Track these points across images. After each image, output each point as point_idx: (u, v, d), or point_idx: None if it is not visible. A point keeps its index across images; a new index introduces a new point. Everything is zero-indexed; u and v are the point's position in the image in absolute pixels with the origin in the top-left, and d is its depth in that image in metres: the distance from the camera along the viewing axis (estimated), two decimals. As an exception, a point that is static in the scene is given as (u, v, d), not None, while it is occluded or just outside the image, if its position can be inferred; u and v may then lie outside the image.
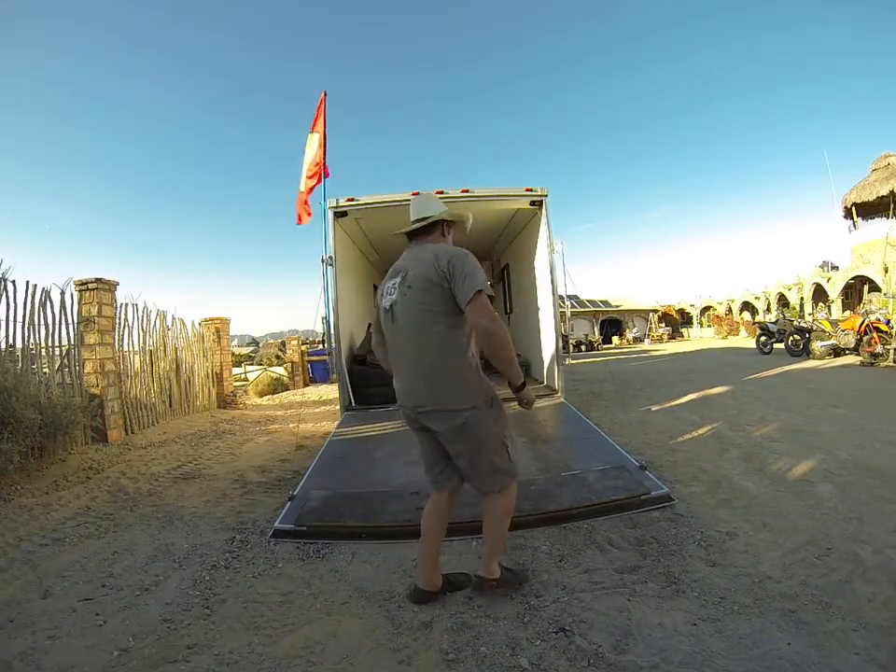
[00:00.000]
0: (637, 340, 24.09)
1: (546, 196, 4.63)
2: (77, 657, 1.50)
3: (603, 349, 20.69)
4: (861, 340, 7.97)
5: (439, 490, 1.75)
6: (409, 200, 4.42)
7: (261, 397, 9.38)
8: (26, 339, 3.95)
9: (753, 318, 20.25)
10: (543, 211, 4.71)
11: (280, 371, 11.87)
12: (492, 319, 1.48)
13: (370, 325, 6.96)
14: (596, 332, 24.38)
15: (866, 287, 15.00)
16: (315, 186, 5.27)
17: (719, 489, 2.63)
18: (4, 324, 3.76)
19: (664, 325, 26.00)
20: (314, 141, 5.34)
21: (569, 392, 4.92)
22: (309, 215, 5.33)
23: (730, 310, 23.17)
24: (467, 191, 4.50)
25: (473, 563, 1.97)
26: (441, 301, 1.55)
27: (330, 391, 8.56)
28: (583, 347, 20.48)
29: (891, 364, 7.10)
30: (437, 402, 1.58)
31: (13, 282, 3.83)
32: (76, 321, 4.51)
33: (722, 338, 20.42)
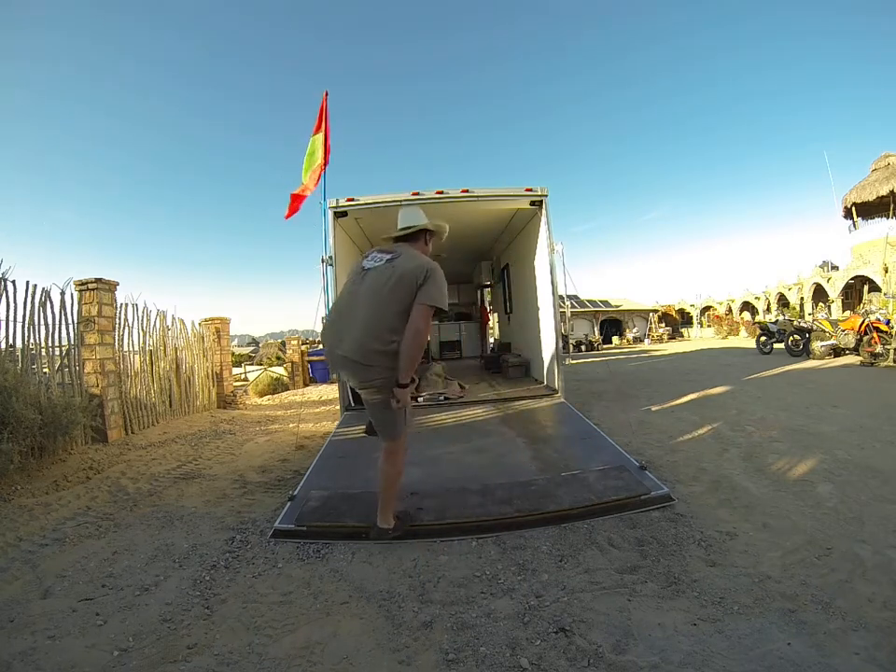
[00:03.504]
0: (637, 340, 24.09)
1: (546, 196, 4.63)
2: (77, 657, 1.50)
3: (603, 349, 20.69)
4: (861, 340, 7.97)
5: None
6: (409, 200, 4.50)
7: (261, 397, 9.38)
8: (26, 339, 3.95)
9: (753, 318, 20.26)
10: (543, 211, 4.71)
11: (280, 371, 11.87)
12: (427, 325, 1.90)
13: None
14: (596, 332, 24.37)
15: (866, 287, 15.02)
16: (316, 182, 5.25)
17: (719, 489, 2.63)
18: (4, 324, 3.76)
19: (664, 325, 25.99)
20: (318, 142, 5.33)
21: (569, 392, 4.92)
22: (296, 209, 5.31)
23: (730, 310, 23.16)
24: (467, 191, 4.50)
25: (474, 563, 1.98)
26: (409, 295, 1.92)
27: (330, 391, 8.57)
28: (583, 347, 20.48)
29: (891, 364, 7.10)
30: None
31: (13, 282, 3.83)
32: (76, 321, 4.50)
33: (722, 338, 20.42)
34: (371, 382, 1.94)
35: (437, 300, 1.90)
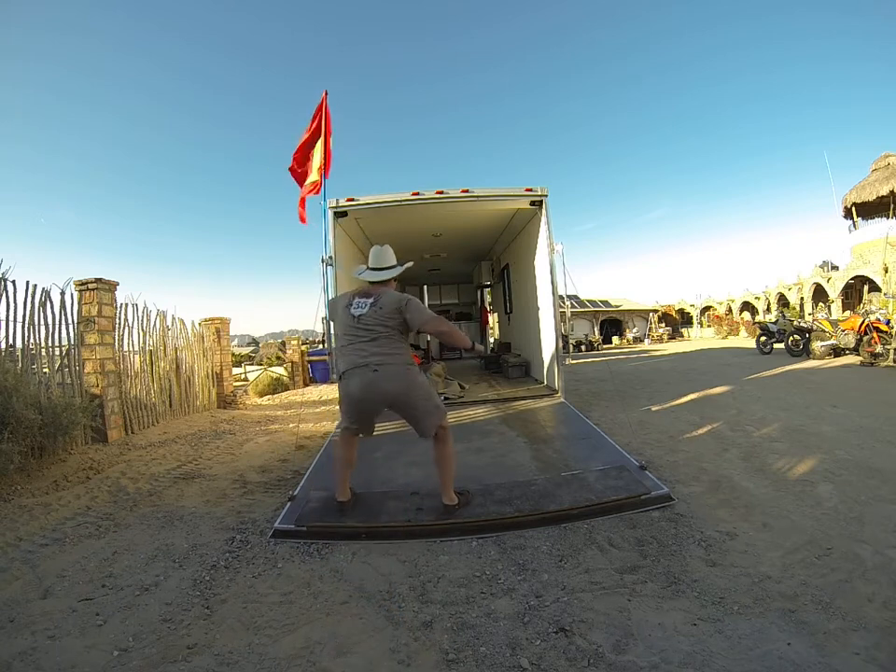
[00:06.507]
0: (637, 340, 24.09)
1: (546, 196, 4.64)
2: (77, 657, 1.50)
3: (603, 349, 20.69)
4: (860, 340, 7.97)
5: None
6: (409, 200, 4.50)
7: (261, 397, 9.38)
8: (26, 339, 3.94)
9: (753, 318, 20.27)
10: (543, 211, 4.71)
11: (280, 370, 11.86)
12: (445, 324, 2.31)
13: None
14: (596, 332, 24.37)
15: (866, 287, 15.03)
16: (316, 187, 5.17)
17: (719, 489, 2.63)
18: (4, 324, 3.76)
19: (664, 325, 25.99)
20: (318, 143, 5.20)
21: (569, 392, 4.92)
22: (303, 220, 5.25)
23: (730, 310, 23.18)
24: (467, 191, 4.51)
25: (474, 563, 1.98)
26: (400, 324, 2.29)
27: (330, 391, 8.56)
28: (583, 347, 20.47)
29: (891, 364, 7.10)
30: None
31: (13, 282, 3.83)
32: (76, 321, 4.50)
33: (722, 338, 20.43)
34: (398, 377, 2.24)
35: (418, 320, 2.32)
